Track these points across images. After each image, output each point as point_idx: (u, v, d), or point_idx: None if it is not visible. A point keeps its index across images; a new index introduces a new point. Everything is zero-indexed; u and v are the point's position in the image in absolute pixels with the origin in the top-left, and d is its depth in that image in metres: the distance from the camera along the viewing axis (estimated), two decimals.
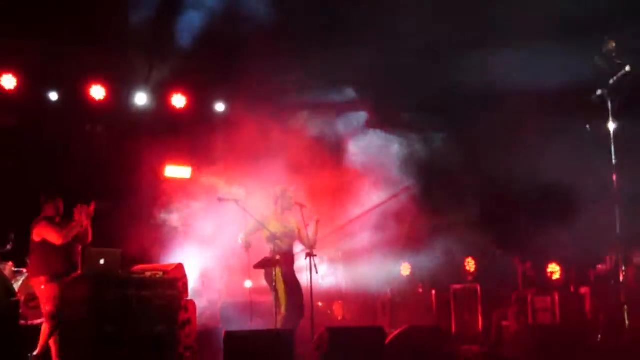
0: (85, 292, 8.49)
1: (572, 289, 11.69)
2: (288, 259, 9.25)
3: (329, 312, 12.77)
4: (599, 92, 9.25)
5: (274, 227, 9.22)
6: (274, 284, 9.08)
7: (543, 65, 11.53)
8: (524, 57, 11.46)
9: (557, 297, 11.52)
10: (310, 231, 9.27)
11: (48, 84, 12.92)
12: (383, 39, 11.96)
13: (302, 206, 9.31)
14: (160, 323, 8.70)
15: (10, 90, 12.38)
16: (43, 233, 9.07)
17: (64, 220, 9.31)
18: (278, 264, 9.07)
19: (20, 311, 9.56)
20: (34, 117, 12.77)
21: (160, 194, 12.77)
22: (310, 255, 9.07)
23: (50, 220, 9.18)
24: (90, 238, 9.42)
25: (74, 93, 13.10)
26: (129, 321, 8.45)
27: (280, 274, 9.10)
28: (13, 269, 10.31)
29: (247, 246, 9.30)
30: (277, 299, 9.09)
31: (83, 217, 9.18)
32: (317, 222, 9.27)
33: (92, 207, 9.24)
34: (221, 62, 12.82)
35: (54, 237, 9.01)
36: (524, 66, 11.43)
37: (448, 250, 12.76)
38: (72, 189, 10.25)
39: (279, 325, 8.93)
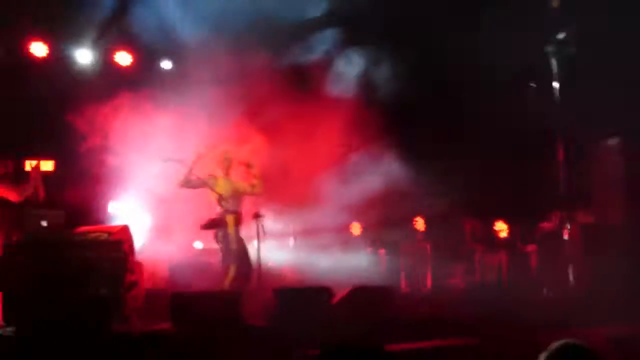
0: (27, 255, 8.37)
1: (519, 247, 11.83)
2: (236, 219, 9.15)
3: (280, 273, 12.73)
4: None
5: (221, 187, 9.11)
6: (228, 244, 9.04)
7: None
8: None
9: (504, 256, 11.64)
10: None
11: None
12: None
13: (246, 165, 9.21)
14: (104, 285, 8.62)
15: None
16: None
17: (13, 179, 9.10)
18: (225, 224, 9.00)
19: None
20: None
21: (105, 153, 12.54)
22: (257, 216, 8.99)
23: (6, 176, 8.95)
24: (41, 197, 9.23)
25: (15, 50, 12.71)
26: (73, 284, 8.35)
27: (234, 234, 9.05)
28: None
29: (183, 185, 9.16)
30: (228, 259, 9.05)
31: (37, 176, 9.00)
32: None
33: (37, 165, 9.06)
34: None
35: (12, 195, 8.80)
36: None
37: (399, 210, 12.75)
38: (16, 148, 10.00)
39: (227, 286, 8.88)
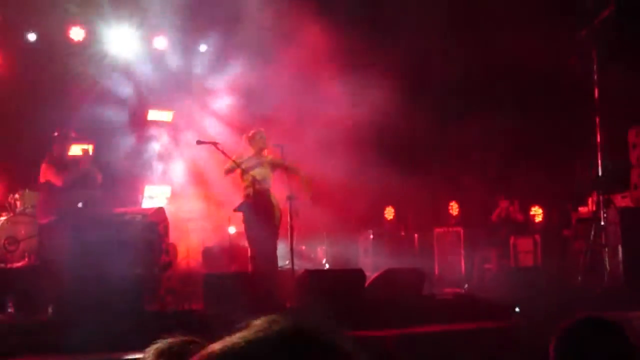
0: (62, 236, 8.48)
1: (554, 232, 11.70)
2: (265, 200, 9.10)
3: (312, 255, 12.79)
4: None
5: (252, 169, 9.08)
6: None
7: None
8: None
9: (539, 240, 11.53)
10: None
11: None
12: None
13: (279, 146, 9.18)
14: (139, 266, 8.70)
15: None
16: (47, 174, 8.93)
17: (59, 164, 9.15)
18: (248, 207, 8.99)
19: None
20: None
21: (144, 137, 12.72)
22: (290, 198, 8.96)
23: (52, 162, 9.00)
24: (99, 181, 9.28)
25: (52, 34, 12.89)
26: (108, 264, 8.44)
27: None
28: None
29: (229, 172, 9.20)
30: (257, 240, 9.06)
31: (86, 161, 9.07)
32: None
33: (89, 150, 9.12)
34: None
35: (57, 180, 8.87)
36: None
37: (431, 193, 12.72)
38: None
39: (250, 268, 8.89)
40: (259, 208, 9.06)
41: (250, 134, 9.24)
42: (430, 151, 12.85)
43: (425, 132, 12.30)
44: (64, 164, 9.06)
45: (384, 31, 12.53)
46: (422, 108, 12.33)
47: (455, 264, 12.28)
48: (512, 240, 11.73)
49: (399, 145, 12.70)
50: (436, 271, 12.32)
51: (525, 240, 11.64)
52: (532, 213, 12.00)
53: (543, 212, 11.97)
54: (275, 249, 9.02)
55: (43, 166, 8.99)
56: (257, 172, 9.08)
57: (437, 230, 12.63)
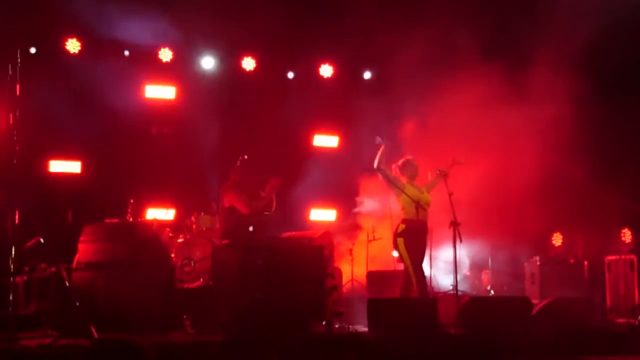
0: (234, 259, 8.85)
1: None
2: (423, 227, 9.18)
3: (477, 281, 12.63)
4: None
5: (413, 194, 9.13)
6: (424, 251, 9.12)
7: None
8: None
9: None
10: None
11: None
12: None
13: (444, 175, 9.17)
14: (306, 290, 8.92)
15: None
16: (233, 200, 9.25)
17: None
18: (426, 231, 9.08)
19: (176, 275, 10.07)
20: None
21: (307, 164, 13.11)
22: (454, 224, 8.92)
23: (239, 189, 9.31)
24: (273, 208, 9.57)
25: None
26: (276, 288, 8.72)
27: (402, 243, 9.05)
28: (170, 234, 10.82)
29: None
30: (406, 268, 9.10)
31: (272, 192, 9.40)
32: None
33: (278, 181, 9.46)
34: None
35: (243, 207, 9.19)
36: None
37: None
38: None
39: (415, 294, 8.89)
40: (420, 234, 9.13)
41: (400, 163, 9.34)
42: (601, 177, 12.39)
43: (596, 158, 11.94)
44: (250, 193, 9.39)
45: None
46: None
47: (628, 294, 11.72)
48: None
49: (570, 170, 12.31)
50: (608, 301, 11.82)
51: None
52: None
53: None
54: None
55: (229, 192, 9.30)
56: (420, 199, 9.13)
57: (609, 258, 12.12)
